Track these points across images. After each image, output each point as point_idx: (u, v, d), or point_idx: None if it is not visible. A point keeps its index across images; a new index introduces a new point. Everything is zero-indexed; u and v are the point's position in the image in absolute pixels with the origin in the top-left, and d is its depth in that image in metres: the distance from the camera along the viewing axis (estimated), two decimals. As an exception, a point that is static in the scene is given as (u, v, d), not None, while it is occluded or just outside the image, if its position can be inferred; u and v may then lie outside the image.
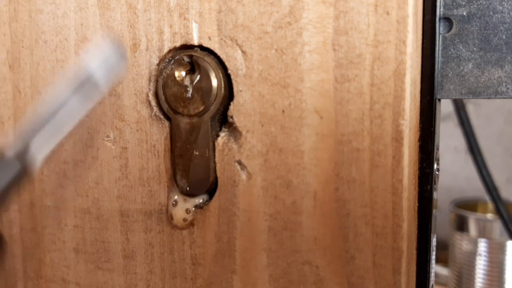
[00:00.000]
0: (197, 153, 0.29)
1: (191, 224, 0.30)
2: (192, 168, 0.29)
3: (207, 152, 0.29)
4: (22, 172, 0.18)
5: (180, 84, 0.29)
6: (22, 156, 0.18)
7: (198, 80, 0.29)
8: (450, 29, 0.28)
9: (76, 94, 0.21)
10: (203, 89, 0.29)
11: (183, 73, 0.29)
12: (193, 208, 0.30)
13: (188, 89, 0.29)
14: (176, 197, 0.30)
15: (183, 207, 0.30)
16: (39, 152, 0.19)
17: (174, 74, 0.29)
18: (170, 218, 0.30)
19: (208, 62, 0.28)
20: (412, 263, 0.28)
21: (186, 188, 0.30)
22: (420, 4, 0.27)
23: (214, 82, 0.28)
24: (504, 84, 0.28)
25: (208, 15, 0.28)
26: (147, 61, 0.29)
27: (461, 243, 0.83)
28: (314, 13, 0.26)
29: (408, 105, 0.25)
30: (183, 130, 0.29)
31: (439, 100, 0.29)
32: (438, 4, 0.28)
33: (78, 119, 0.21)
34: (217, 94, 0.28)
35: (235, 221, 0.29)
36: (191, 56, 0.29)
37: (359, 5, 0.25)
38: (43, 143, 0.19)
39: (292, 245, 0.28)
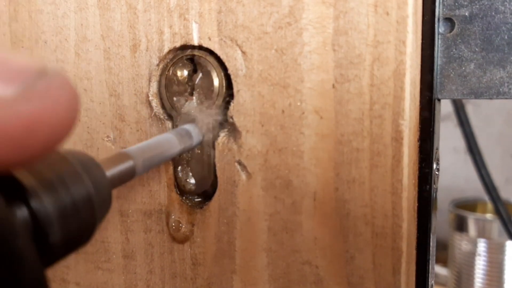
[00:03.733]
0: (199, 151, 0.29)
1: (191, 233, 0.30)
2: (193, 165, 0.30)
3: (208, 150, 0.29)
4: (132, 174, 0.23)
5: (182, 83, 0.29)
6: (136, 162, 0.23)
7: (200, 79, 0.29)
8: (452, 29, 0.28)
9: (177, 136, 0.27)
10: (204, 87, 0.29)
11: (185, 72, 0.29)
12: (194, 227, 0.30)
13: (190, 87, 0.29)
14: (177, 217, 0.30)
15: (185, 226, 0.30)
16: (141, 163, 0.24)
17: (176, 73, 0.29)
18: (172, 237, 0.30)
19: (209, 61, 0.28)
20: (411, 263, 0.28)
21: (188, 186, 0.30)
22: (419, 5, 0.27)
23: (216, 81, 0.28)
24: (506, 84, 0.28)
25: (208, 16, 0.28)
26: (147, 62, 0.29)
27: (461, 243, 0.83)
28: (314, 14, 0.26)
29: (407, 105, 0.26)
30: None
31: (439, 100, 0.29)
32: (437, 4, 0.28)
33: (174, 152, 0.27)
34: (218, 92, 0.28)
35: (235, 221, 0.29)
36: (193, 55, 0.29)
37: (359, 6, 0.25)
38: (146, 158, 0.24)
39: (292, 245, 0.28)
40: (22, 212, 0.15)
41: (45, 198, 0.15)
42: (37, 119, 0.12)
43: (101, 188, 0.18)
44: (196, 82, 0.29)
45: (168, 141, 0.27)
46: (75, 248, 0.17)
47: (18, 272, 0.12)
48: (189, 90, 0.29)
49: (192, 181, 0.30)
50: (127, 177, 0.22)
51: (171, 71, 0.29)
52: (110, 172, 0.21)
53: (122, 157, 0.22)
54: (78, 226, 0.17)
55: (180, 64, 0.29)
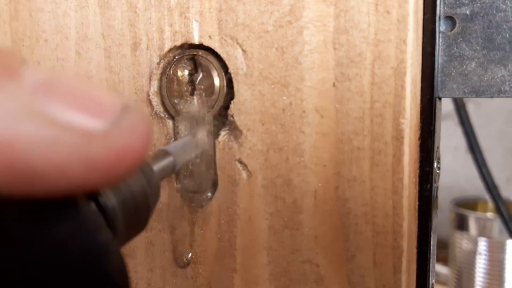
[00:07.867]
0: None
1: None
2: (194, 164, 0.30)
3: (209, 150, 0.29)
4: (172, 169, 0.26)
5: (183, 83, 0.29)
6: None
7: (201, 79, 0.29)
8: (453, 28, 0.28)
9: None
10: (205, 88, 0.29)
11: (186, 72, 0.29)
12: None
13: (190, 88, 0.29)
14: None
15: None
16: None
17: (177, 73, 0.29)
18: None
19: (210, 61, 0.28)
20: (412, 262, 0.28)
21: (189, 185, 0.30)
22: (420, 3, 0.27)
23: (217, 81, 0.28)
24: (507, 83, 0.28)
25: (208, 14, 0.28)
26: (147, 60, 0.29)
27: (461, 242, 0.83)
28: (314, 12, 0.26)
29: (408, 104, 0.26)
30: (186, 129, 0.29)
31: (440, 98, 0.29)
32: (438, 2, 0.28)
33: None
34: (219, 92, 0.28)
35: (236, 220, 0.29)
36: (194, 55, 0.29)
37: (359, 4, 0.25)
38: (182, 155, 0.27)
39: (293, 243, 0.28)
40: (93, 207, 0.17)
41: (110, 195, 0.17)
42: (123, 151, 0.14)
43: (151, 182, 0.21)
44: (197, 82, 0.29)
45: (194, 141, 0.29)
46: (134, 235, 0.20)
47: (105, 259, 0.14)
48: (189, 89, 0.29)
49: (193, 180, 0.30)
50: (168, 171, 0.25)
51: (171, 71, 0.29)
52: (155, 167, 0.24)
53: (164, 154, 0.25)
54: (137, 216, 0.19)
55: (181, 64, 0.29)
